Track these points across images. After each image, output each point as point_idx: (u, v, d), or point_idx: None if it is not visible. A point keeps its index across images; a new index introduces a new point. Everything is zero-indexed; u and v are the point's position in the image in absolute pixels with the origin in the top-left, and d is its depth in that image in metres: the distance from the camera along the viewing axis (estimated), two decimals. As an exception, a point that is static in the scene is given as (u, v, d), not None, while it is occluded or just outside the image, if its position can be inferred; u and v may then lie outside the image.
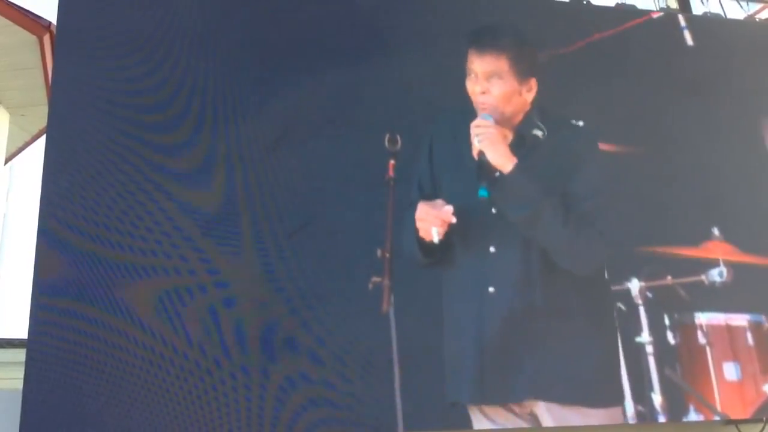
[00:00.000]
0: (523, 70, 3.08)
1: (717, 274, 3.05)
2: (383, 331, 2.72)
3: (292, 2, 3.21)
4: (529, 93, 3.07)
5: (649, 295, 2.98)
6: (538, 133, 3.04)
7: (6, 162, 5.54)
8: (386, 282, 2.76)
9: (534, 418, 2.77)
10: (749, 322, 3.06)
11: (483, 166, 2.91)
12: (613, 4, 3.75)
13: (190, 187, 2.78)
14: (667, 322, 2.98)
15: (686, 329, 3.00)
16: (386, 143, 2.94)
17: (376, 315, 2.74)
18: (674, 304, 3.01)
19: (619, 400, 2.85)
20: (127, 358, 2.53)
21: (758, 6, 4.82)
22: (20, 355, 2.57)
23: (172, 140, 2.85)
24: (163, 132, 2.86)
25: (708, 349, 2.99)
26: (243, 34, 3.05)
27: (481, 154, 2.92)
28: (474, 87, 3.05)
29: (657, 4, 4.28)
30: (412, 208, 2.89)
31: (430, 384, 2.73)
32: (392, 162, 2.91)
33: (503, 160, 2.94)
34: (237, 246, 2.74)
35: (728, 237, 3.16)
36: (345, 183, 2.90)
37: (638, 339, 2.94)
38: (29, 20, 4.39)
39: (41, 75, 4.70)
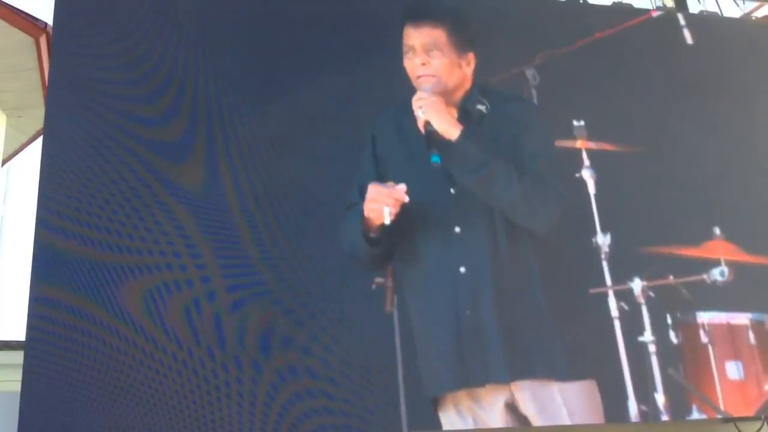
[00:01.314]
0: (461, 42, 3.01)
1: (718, 274, 3.05)
2: (387, 331, 2.72)
3: (291, 2, 3.19)
4: (468, 67, 3.01)
5: (651, 294, 2.98)
6: (482, 107, 2.99)
7: (3, 164, 5.53)
8: (389, 283, 2.75)
9: (512, 400, 2.74)
10: (751, 321, 3.06)
11: (431, 135, 2.83)
12: (610, 3, 3.74)
13: (189, 189, 2.77)
14: (669, 321, 2.98)
15: (688, 328, 3.00)
16: None
17: (380, 315, 2.73)
18: (676, 303, 3.00)
19: (591, 373, 2.83)
20: (126, 360, 2.52)
21: (755, 4, 4.81)
22: (18, 357, 2.56)
23: (171, 141, 2.84)
24: (162, 133, 2.85)
25: (710, 348, 2.99)
26: (243, 35, 3.05)
27: (427, 124, 2.85)
28: (413, 61, 2.99)
29: (653, 2, 4.27)
30: (350, 211, 2.83)
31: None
32: None
33: (450, 127, 2.87)
34: (238, 247, 2.73)
35: (729, 236, 3.15)
36: (347, 183, 2.88)
37: (641, 338, 2.93)
38: (25, 22, 4.39)
39: (38, 77, 4.70)
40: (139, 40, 2.95)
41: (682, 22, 3.65)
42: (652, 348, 2.92)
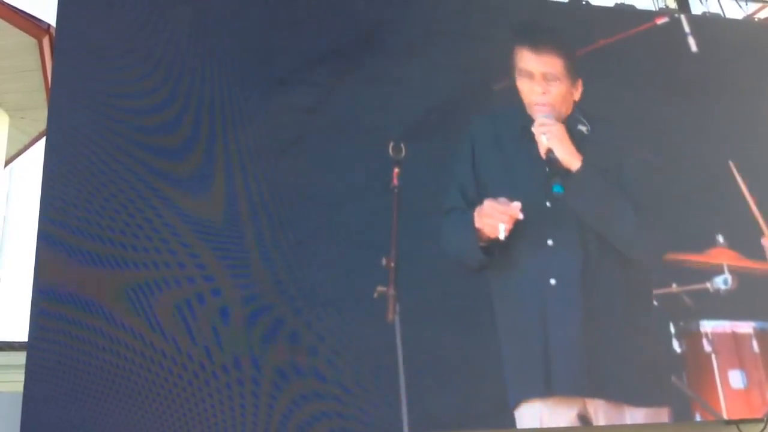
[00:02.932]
0: (573, 70, 3.11)
1: (722, 282, 3.04)
2: (389, 340, 2.71)
3: (296, 8, 3.18)
4: (577, 92, 3.11)
5: (655, 303, 2.98)
6: (583, 128, 3.06)
7: (6, 164, 5.53)
8: (391, 291, 2.75)
9: (584, 412, 2.77)
10: (755, 329, 3.04)
11: (553, 163, 2.92)
12: (612, 4, 3.74)
13: (192, 193, 2.77)
14: (672, 330, 2.97)
15: (692, 337, 2.99)
16: (390, 151, 2.93)
17: (382, 324, 2.73)
18: (680, 312, 3.00)
19: (666, 400, 2.86)
20: (127, 361, 2.52)
21: (757, 5, 4.81)
22: (21, 358, 2.56)
23: (173, 143, 2.84)
24: (164, 134, 2.85)
25: (713, 356, 2.98)
26: (245, 39, 3.03)
27: (549, 151, 2.93)
28: (532, 87, 3.06)
29: (656, 4, 4.26)
30: (451, 214, 2.90)
31: (436, 393, 2.71)
32: (396, 170, 2.90)
33: (571, 157, 2.97)
34: (241, 254, 2.73)
35: (733, 244, 3.14)
36: (350, 191, 2.88)
37: (644, 347, 2.93)
38: (28, 22, 4.39)
39: (41, 77, 4.70)
40: (142, 42, 2.95)
41: (687, 29, 3.64)
42: (655, 357, 2.93)
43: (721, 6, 4.22)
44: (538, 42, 3.11)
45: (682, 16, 3.74)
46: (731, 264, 3.08)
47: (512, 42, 3.13)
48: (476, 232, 2.87)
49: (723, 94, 3.52)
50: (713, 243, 3.14)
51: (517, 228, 2.89)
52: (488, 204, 2.89)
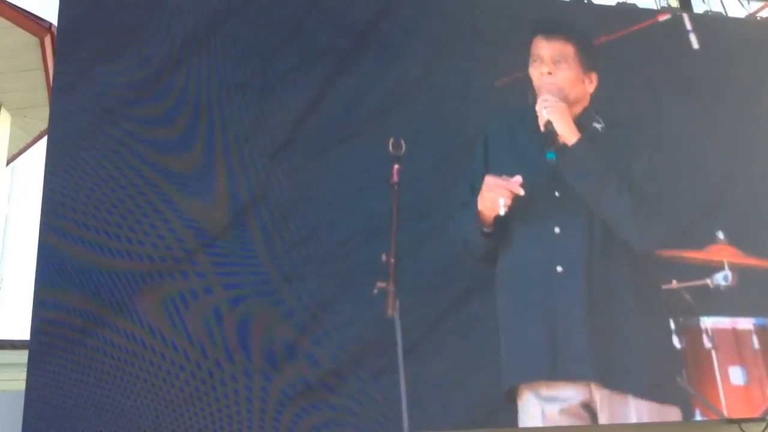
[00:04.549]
0: (587, 60, 3.10)
1: (722, 278, 3.03)
2: (389, 335, 2.71)
3: (294, 6, 3.18)
4: (590, 85, 3.09)
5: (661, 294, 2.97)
6: (598, 126, 3.06)
7: (8, 163, 5.54)
8: (391, 287, 2.75)
9: (590, 404, 2.78)
10: (755, 325, 3.04)
11: (550, 135, 2.91)
12: (614, 3, 3.73)
13: (193, 191, 2.78)
14: (672, 326, 2.97)
15: (692, 333, 2.99)
16: (390, 148, 2.94)
17: (382, 319, 2.73)
18: (680, 308, 2.99)
19: (673, 397, 2.85)
20: (129, 360, 2.53)
21: (759, 4, 4.80)
22: (22, 356, 2.57)
23: (174, 141, 2.85)
24: (165, 133, 2.86)
25: (713, 353, 2.97)
26: (246, 39, 3.04)
27: (548, 124, 2.93)
28: (540, 68, 3.06)
29: (658, 2, 4.26)
30: (462, 209, 2.92)
31: (437, 389, 2.72)
32: (396, 166, 2.90)
33: (569, 132, 2.95)
34: (241, 251, 2.73)
35: (733, 240, 3.13)
36: (350, 187, 2.89)
37: (644, 343, 2.93)
38: (30, 21, 4.40)
39: (42, 76, 4.70)
40: (142, 41, 2.96)
41: (689, 26, 3.64)
42: (656, 353, 2.92)
43: (723, 5, 4.22)
44: (550, 30, 3.12)
45: (684, 14, 3.74)
46: (731, 260, 3.07)
47: (530, 36, 3.13)
48: (478, 215, 2.87)
49: (724, 90, 3.51)
50: (713, 239, 3.14)
51: (525, 216, 2.89)
52: (489, 179, 2.89)
